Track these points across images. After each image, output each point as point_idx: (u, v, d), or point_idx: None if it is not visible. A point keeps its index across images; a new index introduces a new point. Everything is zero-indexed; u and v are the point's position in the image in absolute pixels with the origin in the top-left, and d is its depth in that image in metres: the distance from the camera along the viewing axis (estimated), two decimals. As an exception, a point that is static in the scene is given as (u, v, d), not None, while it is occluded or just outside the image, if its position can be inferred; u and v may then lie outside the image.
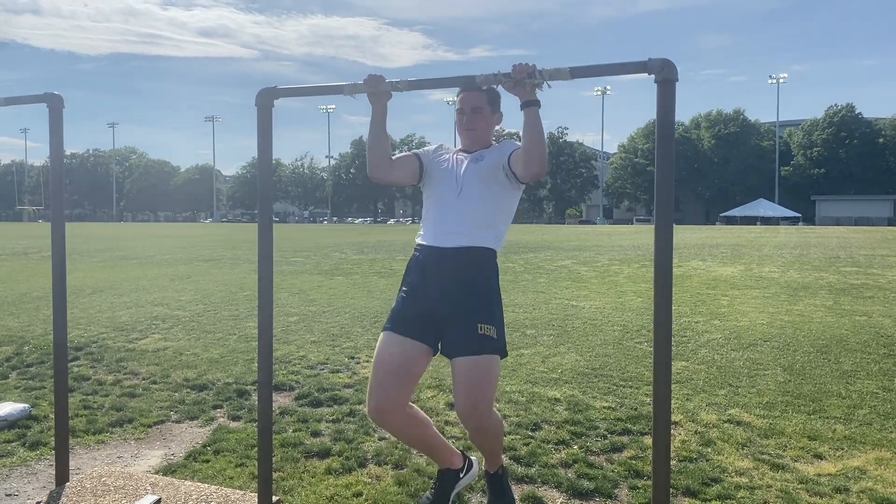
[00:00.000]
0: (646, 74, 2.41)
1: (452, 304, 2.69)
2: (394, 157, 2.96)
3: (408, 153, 3.02)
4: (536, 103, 2.60)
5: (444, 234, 2.76)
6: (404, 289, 2.87)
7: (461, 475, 3.26)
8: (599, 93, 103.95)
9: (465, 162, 2.87)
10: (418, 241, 2.88)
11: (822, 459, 4.26)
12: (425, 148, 3.09)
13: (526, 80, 2.52)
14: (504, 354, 2.79)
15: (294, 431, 4.80)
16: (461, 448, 3.63)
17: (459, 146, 3.03)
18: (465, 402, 2.68)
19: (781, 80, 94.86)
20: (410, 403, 2.94)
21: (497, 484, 3.26)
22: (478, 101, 2.89)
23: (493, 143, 3.00)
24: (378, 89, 2.78)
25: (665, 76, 2.37)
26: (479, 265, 2.75)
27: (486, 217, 2.78)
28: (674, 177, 2.46)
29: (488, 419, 2.76)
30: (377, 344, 2.87)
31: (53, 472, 3.84)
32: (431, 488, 3.31)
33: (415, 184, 2.99)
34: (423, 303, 2.75)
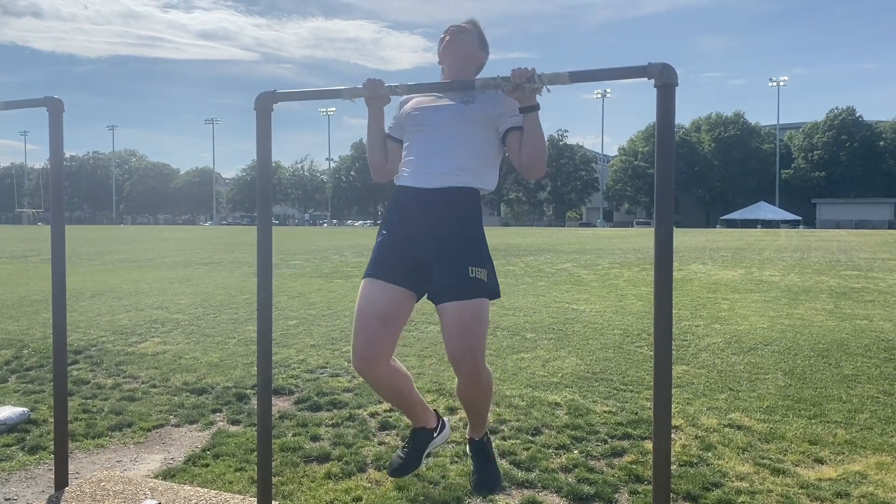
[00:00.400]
0: (646, 79, 2.41)
1: (439, 247, 2.59)
2: (391, 162, 2.91)
3: (388, 139, 2.90)
4: (536, 107, 2.59)
5: (427, 175, 2.64)
6: (384, 232, 2.75)
7: (434, 434, 3.17)
8: (599, 95, 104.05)
9: (451, 102, 2.73)
10: (397, 182, 2.74)
11: (822, 464, 4.25)
12: (394, 116, 2.92)
13: (525, 85, 2.52)
14: (497, 295, 2.70)
15: (293, 436, 4.79)
16: (435, 409, 3.57)
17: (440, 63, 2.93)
18: (460, 343, 2.57)
19: (782, 83, 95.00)
20: (393, 357, 2.85)
21: (482, 452, 3.16)
22: (463, 28, 2.87)
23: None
24: (377, 93, 2.78)
25: (665, 80, 2.37)
26: (464, 206, 2.64)
27: (470, 159, 2.67)
28: (674, 180, 2.46)
29: (482, 364, 2.65)
30: (359, 291, 2.75)
31: (52, 477, 3.83)
32: (403, 447, 3.21)
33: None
34: (406, 246, 2.64)
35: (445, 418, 3.36)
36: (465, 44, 2.83)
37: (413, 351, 7.31)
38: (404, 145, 2.82)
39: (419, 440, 3.14)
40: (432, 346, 7.50)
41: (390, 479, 3.85)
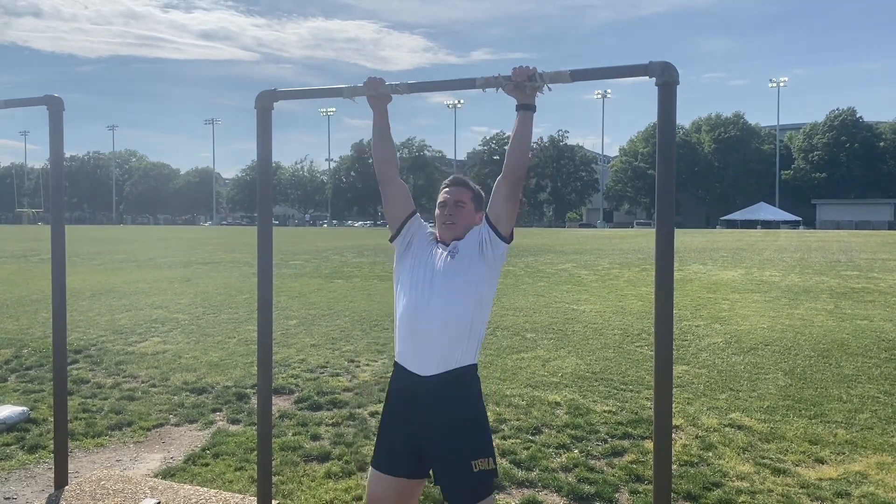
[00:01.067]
0: (647, 77, 2.41)
1: (441, 441, 2.56)
2: (402, 184, 2.85)
3: (410, 198, 2.87)
4: (532, 108, 2.59)
5: (423, 359, 2.59)
6: (386, 418, 2.73)
7: None
8: (600, 96, 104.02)
9: (443, 257, 2.69)
10: (396, 358, 2.71)
11: (823, 464, 4.25)
12: (413, 214, 2.85)
13: (526, 84, 2.52)
14: (493, 486, 2.63)
15: (293, 435, 4.79)
16: None
17: (439, 238, 2.80)
18: None
19: (782, 84, 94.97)
20: None
21: None
22: (462, 195, 2.76)
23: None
24: (378, 92, 2.77)
25: (666, 79, 2.37)
26: (463, 391, 2.60)
27: (463, 325, 2.60)
28: (675, 180, 2.45)
29: None
30: (367, 480, 2.74)
31: (52, 476, 3.83)
32: None
33: (391, 229, 2.83)
34: (408, 437, 2.61)
35: None
36: (466, 222, 2.76)
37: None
38: (400, 274, 2.76)
39: None
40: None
41: None
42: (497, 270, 2.74)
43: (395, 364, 2.72)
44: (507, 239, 2.68)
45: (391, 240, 2.83)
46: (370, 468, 2.74)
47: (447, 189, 2.79)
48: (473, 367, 2.66)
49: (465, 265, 2.65)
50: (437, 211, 2.79)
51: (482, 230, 2.69)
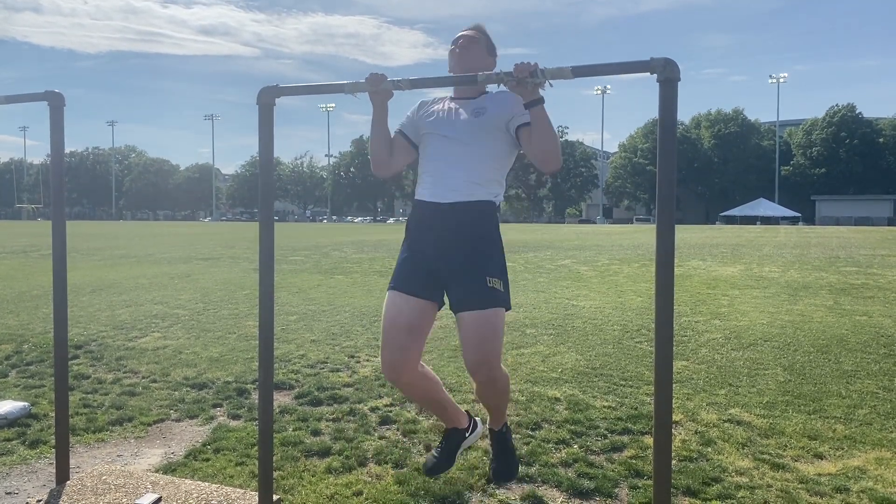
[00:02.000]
0: (647, 74, 2.41)
1: (457, 260, 2.68)
2: (394, 157, 2.93)
3: (395, 134, 2.98)
4: (541, 101, 2.60)
5: (444, 190, 2.72)
6: (405, 246, 2.84)
7: (467, 434, 3.31)
8: (599, 92, 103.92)
9: (463, 113, 2.81)
10: (417, 197, 2.84)
11: (822, 459, 4.26)
12: (407, 114, 3.02)
13: (528, 80, 2.52)
14: (509, 307, 2.78)
15: (294, 430, 4.80)
16: (466, 409, 3.64)
17: (450, 94, 2.97)
18: (476, 355, 2.66)
19: (782, 80, 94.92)
20: (421, 362, 2.93)
21: (502, 441, 3.29)
22: (475, 33, 2.92)
23: (488, 91, 2.93)
24: (379, 88, 2.78)
25: (667, 75, 2.37)
26: (480, 219, 2.71)
27: (486, 171, 2.74)
28: (676, 176, 2.46)
29: (498, 371, 2.75)
30: (384, 303, 2.83)
31: (53, 471, 3.84)
32: (438, 447, 3.34)
33: (412, 160, 2.96)
34: (426, 259, 2.73)
35: (477, 418, 3.44)
36: (474, 56, 2.90)
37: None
38: (421, 153, 2.90)
39: (452, 440, 3.26)
40: (432, 342, 7.51)
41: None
42: (513, 154, 2.85)
43: (416, 203, 2.83)
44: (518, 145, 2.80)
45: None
46: (388, 292, 2.84)
47: (458, 35, 2.93)
48: (492, 203, 2.77)
49: (491, 127, 2.74)
50: (449, 57, 2.91)
51: (514, 111, 2.74)
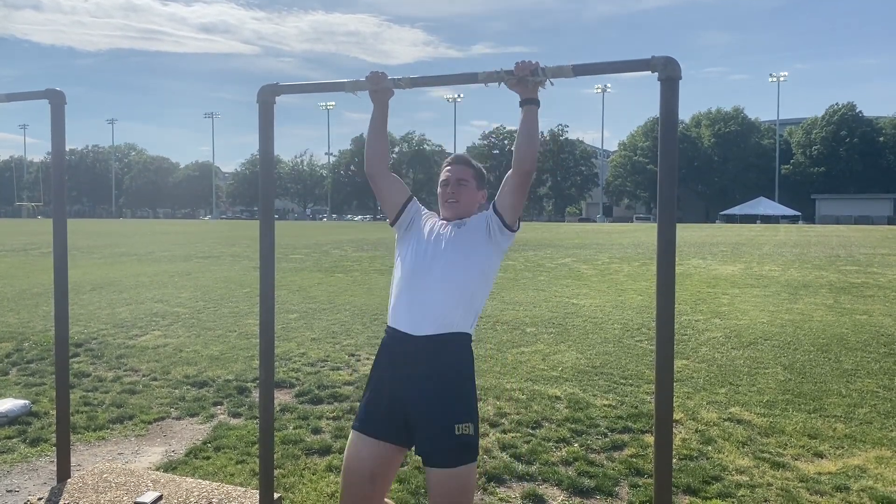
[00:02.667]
0: (648, 72, 2.41)
1: (426, 403, 2.52)
2: (394, 175, 2.86)
3: (405, 186, 2.90)
4: (536, 102, 2.59)
5: (418, 318, 2.56)
6: (374, 379, 2.68)
7: None
8: (600, 90, 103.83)
9: (447, 228, 2.70)
10: (389, 321, 2.67)
11: (822, 458, 4.26)
12: (410, 199, 2.87)
13: (529, 78, 2.52)
14: (477, 455, 2.58)
15: (295, 429, 4.81)
16: None
17: (441, 216, 2.82)
18: None
19: (782, 79, 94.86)
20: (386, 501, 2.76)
21: None
22: (465, 174, 2.77)
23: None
24: (380, 86, 2.77)
25: (668, 74, 2.37)
26: (453, 355, 2.57)
27: (463, 290, 2.59)
28: (677, 174, 2.46)
29: None
30: (347, 442, 2.66)
31: (54, 469, 3.84)
32: None
33: (390, 216, 2.83)
34: (394, 400, 2.56)
35: None
36: (469, 200, 2.78)
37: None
38: (400, 256, 2.75)
39: None
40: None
41: None
42: (501, 252, 2.76)
43: (387, 328, 2.67)
44: (513, 228, 2.71)
45: (392, 223, 2.84)
46: (351, 431, 2.66)
47: (449, 167, 2.81)
48: (468, 336, 2.63)
49: (471, 238, 2.67)
50: (439, 189, 2.80)
51: (489, 217, 2.71)
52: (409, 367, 2.55)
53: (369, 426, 2.58)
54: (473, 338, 2.70)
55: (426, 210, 2.89)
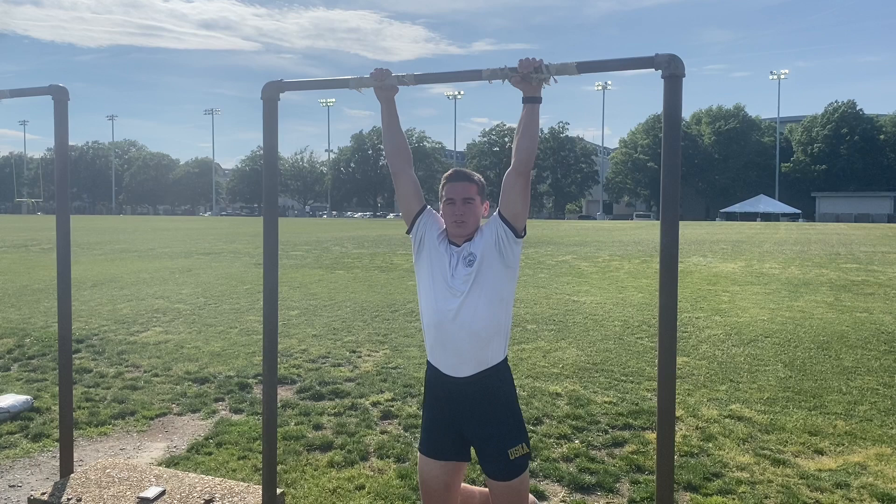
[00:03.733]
0: (651, 70, 2.41)
1: (478, 430, 2.72)
2: (413, 178, 2.86)
3: (420, 192, 2.88)
4: (538, 100, 2.60)
5: (454, 362, 2.70)
6: (428, 405, 2.84)
7: None
8: (600, 88, 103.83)
9: (457, 263, 2.71)
10: (429, 359, 2.79)
11: (822, 455, 4.27)
12: (429, 212, 2.87)
13: (532, 76, 2.52)
14: (529, 460, 2.83)
15: (296, 425, 4.82)
16: None
17: (445, 230, 2.80)
18: None
19: (782, 76, 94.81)
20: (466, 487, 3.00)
21: None
22: (469, 191, 2.73)
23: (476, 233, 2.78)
24: (384, 83, 2.77)
25: (672, 72, 2.37)
26: (498, 386, 2.73)
27: (490, 328, 2.68)
28: (680, 171, 2.46)
29: None
30: (418, 463, 2.88)
31: (56, 464, 3.85)
32: None
33: (406, 222, 2.86)
34: (451, 427, 2.76)
35: None
36: (476, 217, 2.76)
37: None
38: (423, 286, 2.78)
39: None
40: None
41: (393, 468, 3.83)
42: (516, 267, 2.79)
43: (429, 364, 2.81)
44: (522, 235, 2.73)
45: (407, 231, 2.89)
46: (419, 454, 2.88)
47: (452, 185, 2.76)
48: (504, 360, 2.77)
49: (484, 271, 2.68)
50: (443, 207, 2.77)
51: (497, 229, 2.70)
52: (459, 401, 2.73)
53: (432, 449, 2.79)
54: (509, 355, 2.82)
55: (438, 221, 2.85)
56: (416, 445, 4.35)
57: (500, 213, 2.72)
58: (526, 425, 4.62)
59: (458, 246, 2.75)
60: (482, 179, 2.87)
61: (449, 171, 2.86)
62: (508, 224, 2.69)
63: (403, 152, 2.88)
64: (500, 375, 2.74)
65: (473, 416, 2.71)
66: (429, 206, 2.89)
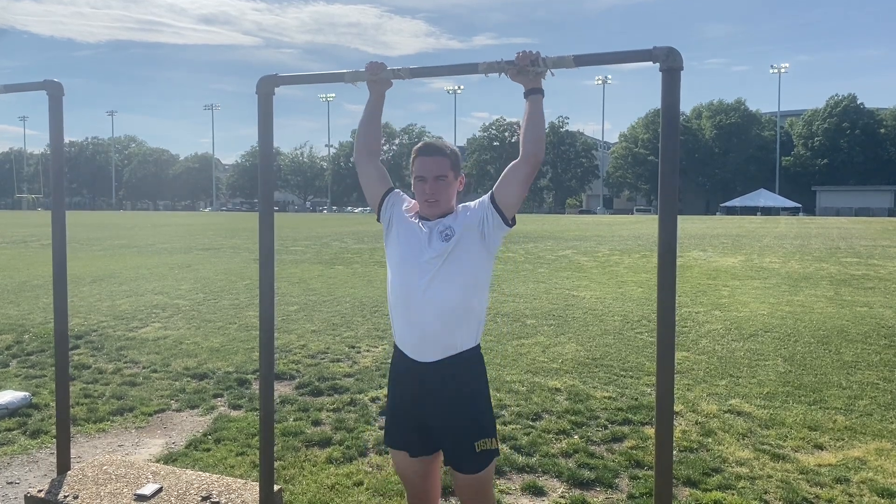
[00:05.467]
0: (649, 63, 2.39)
1: (443, 422, 2.61)
2: (377, 165, 2.79)
3: (387, 177, 2.80)
4: (540, 92, 2.56)
5: (420, 346, 2.56)
6: (393, 394, 2.74)
7: None
8: (600, 82, 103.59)
9: (432, 237, 2.55)
10: (396, 341, 2.67)
11: (822, 450, 4.26)
12: (395, 190, 2.78)
13: (530, 69, 2.49)
14: (496, 454, 2.68)
15: (295, 420, 4.81)
16: None
17: (416, 205, 2.69)
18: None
19: (783, 70, 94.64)
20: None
21: None
22: (441, 167, 2.59)
23: (451, 213, 2.65)
24: (379, 77, 2.75)
25: (670, 64, 2.34)
26: (462, 374, 2.59)
27: (460, 310, 2.54)
28: (679, 165, 2.44)
29: None
30: (391, 455, 2.84)
31: (54, 461, 3.84)
32: None
33: (374, 209, 2.77)
34: (416, 417, 2.65)
35: None
36: (448, 196, 2.62)
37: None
38: (392, 264, 2.65)
39: None
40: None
41: (391, 464, 3.81)
42: (493, 253, 2.66)
43: (396, 347, 2.70)
44: (512, 223, 2.63)
45: (377, 219, 2.79)
46: (388, 447, 2.82)
47: (423, 160, 2.62)
48: (475, 349, 2.64)
49: (461, 249, 2.54)
50: (414, 183, 2.64)
51: (486, 212, 2.59)
52: (424, 387, 2.60)
53: (399, 442, 2.71)
54: (481, 343, 2.70)
55: (406, 201, 2.75)
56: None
57: (493, 199, 2.59)
58: (525, 420, 4.63)
59: (431, 220, 2.61)
60: (456, 150, 2.72)
61: (419, 143, 2.71)
62: (499, 210, 2.58)
63: (375, 146, 2.82)
64: (468, 364, 2.60)
65: (437, 405, 2.59)
66: (395, 188, 2.78)
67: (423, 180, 2.60)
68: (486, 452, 2.60)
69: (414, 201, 2.73)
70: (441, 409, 2.60)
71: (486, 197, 2.64)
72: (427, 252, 2.55)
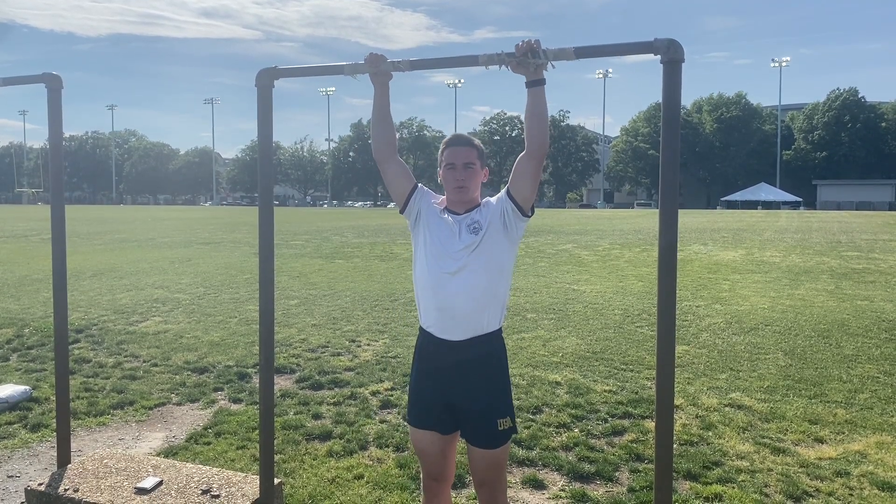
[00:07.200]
0: (650, 56, 2.37)
1: (467, 400, 2.72)
2: (400, 161, 2.86)
3: (410, 173, 2.89)
4: (542, 82, 2.55)
5: (449, 325, 2.69)
6: (416, 372, 2.83)
7: None
8: (601, 76, 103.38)
9: (460, 230, 2.70)
10: (421, 321, 2.79)
11: (822, 443, 4.26)
12: (421, 186, 2.89)
13: (530, 61, 2.48)
14: (516, 430, 2.84)
15: (295, 414, 4.81)
16: None
17: (444, 200, 2.81)
18: (483, 486, 2.80)
19: (784, 64, 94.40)
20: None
21: None
22: (469, 155, 2.74)
23: (479, 205, 2.78)
24: (379, 69, 2.73)
25: (671, 57, 2.33)
26: (487, 354, 2.72)
27: (487, 294, 2.68)
28: (679, 158, 2.43)
29: (501, 496, 2.85)
30: (410, 433, 2.90)
31: (55, 454, 3.84)
32: None
33: (398, 204, 2.85)
34: (439, 394, 2.75)
35: None
36: (476, 183, 2.77)
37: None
38: (419, 257, 2.77)
39: None
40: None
41: (392, 457, 3.84)
42: (517, 242, 2.80)
43: (421, 329, 2.80)
44: (528, 214, 2.75)
45: (401, 211, 2.87)
46: (408, 424, 2.89)
47: (453, 149, 2.76)
48: (498, 331, 2.76)
49: (488, 241, 2.69)
50: (443, 172, 2.76)
51: (504, 206, 2.71)
52: (449, 365, 2.71)
53: (422, 420, 2.79)
54: (504, 326, 2.79)
55: (433, 196, 2.86)
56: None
57: (509, 191, 2.72)
58: (526, 414, 4.64)
59: (460, 214, 2.75)
60: (482, 145, 2.86)
61: (449, 136, 2.85)
62: (516, 204, 2.70)
63: (392, 139, 2.86)
64: (493, 344, 2.73)
65: (464, 382, 2.71)
66: (421, 185, 2.88)
67: (453, 167, 2.73)
68: (506, 430, 2.72)
69: (441, 197, 2.84)
70: (466, 386, 2.70)
71: (503, 192, 2.75)
72: (457, 244, 2.70)
